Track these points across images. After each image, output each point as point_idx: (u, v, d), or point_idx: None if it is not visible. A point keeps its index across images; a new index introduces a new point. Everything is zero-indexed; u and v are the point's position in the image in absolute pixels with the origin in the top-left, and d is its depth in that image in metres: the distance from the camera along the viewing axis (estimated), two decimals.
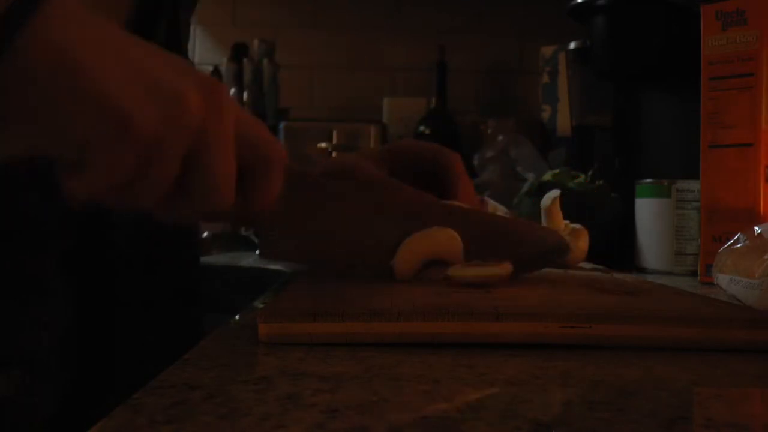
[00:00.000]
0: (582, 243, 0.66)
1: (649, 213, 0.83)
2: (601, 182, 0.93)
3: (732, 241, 0.58)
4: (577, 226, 0.67)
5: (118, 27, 0.36)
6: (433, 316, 0.37)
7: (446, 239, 0.51)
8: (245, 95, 1.75)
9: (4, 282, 0.46)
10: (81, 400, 0.50)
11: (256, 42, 1.79)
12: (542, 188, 0.89)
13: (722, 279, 0.57)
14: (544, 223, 0.66)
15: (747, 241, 0.57)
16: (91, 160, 0.35)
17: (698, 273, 0.74)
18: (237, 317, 0.48)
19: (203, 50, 1.87)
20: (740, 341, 0.38)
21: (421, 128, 1.74)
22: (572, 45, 1.20)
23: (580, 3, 0.98)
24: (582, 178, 0.94)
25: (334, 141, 1.62)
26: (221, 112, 0.37)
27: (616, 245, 0.88)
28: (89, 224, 0.50)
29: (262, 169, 0.40)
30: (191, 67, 0.39)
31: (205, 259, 1.06)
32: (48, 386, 0.49)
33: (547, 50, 1.69)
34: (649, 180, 0.84)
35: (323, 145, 1.60)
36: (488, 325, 0.37)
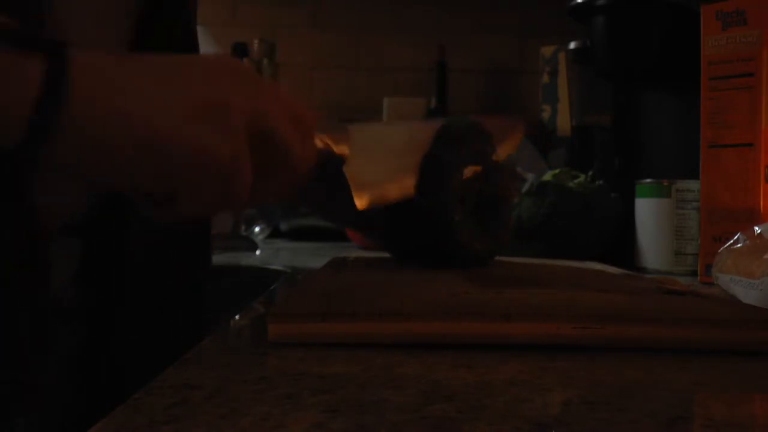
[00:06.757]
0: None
1: (649, 213, 0.83)
2: (601, 182, 0.93)
3: (732, 241, 0.58)
4: None
5: (137, 56, 0.37)
6: (443, 316, 0.37)
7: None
8: None
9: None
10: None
11: (256, 42, 1.79)
12: (542, 188, 0.89)
13: (722, 279, 0.57)
14: None
15: (747, 241, 0.57)
16: (182, 192, 0.37)
17: (698, 273, 0.74)
18: (237, 317, 0.48)
19: (203, 50, 1.87)
20: (758, 342, 0.37)
21: None
22: (572, 45, 1.20)
23: (580, 3, 0.98)
24: (582, 178, 0.94)
25: None
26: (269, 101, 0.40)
27: (616, 245, 0.88)
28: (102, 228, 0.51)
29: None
30: (207, 58, 0.40)
31: None
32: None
33: (547, 50, 1.69)
34: (649, 180, 0.84)
35: None
36: (499, 325, 0.37)
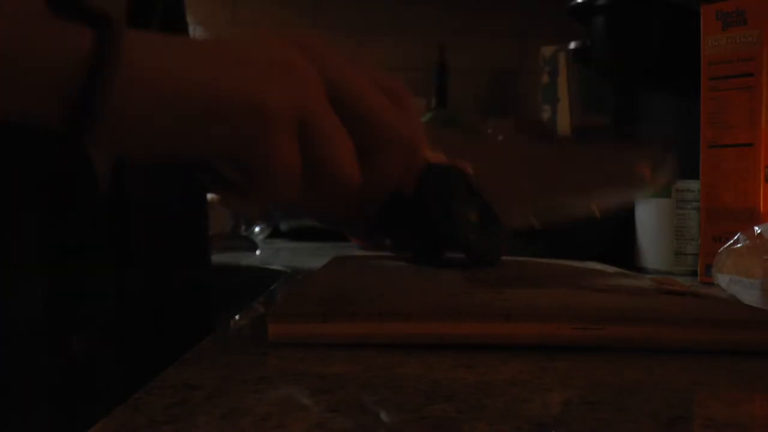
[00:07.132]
0: None
1: (649, 213, 0.83)
2: None
3: (732, 241, 0.58)
4: None
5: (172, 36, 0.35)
6: (443, 317, 0.37)
7: None
8: None
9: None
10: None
11: None
12: None
13: (722, 279, 0.57)
14: None
15: (747, 241, 0.57)
16: (259, 165, 0.34)
17: (698, 273, 0.74)
18: (237, 317, 0.48)
19: None
20: (758, 342, 0.37)
21: None
22: (572, 45, 1.19)
23: (580, 3, 0.98)
24: None
25: None
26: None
27: (616, 245, 0.88)
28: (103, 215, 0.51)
29: (379, 149, 0.37)
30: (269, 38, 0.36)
31: None
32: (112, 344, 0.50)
33: (547, 50, 1.68)
34: None
35: None
36: (499, 325, 0.37)
